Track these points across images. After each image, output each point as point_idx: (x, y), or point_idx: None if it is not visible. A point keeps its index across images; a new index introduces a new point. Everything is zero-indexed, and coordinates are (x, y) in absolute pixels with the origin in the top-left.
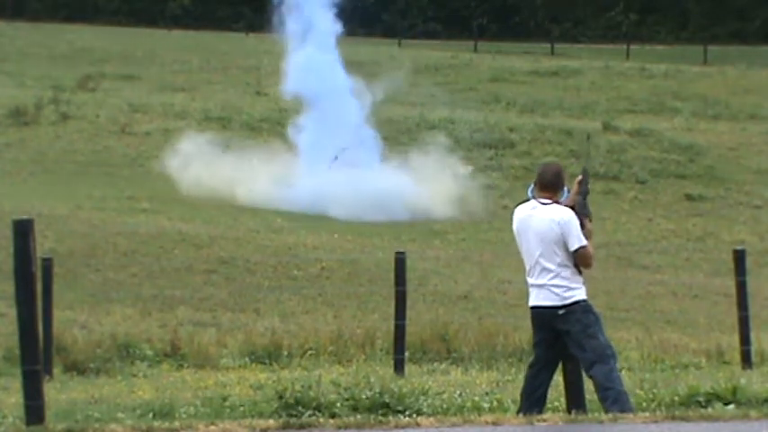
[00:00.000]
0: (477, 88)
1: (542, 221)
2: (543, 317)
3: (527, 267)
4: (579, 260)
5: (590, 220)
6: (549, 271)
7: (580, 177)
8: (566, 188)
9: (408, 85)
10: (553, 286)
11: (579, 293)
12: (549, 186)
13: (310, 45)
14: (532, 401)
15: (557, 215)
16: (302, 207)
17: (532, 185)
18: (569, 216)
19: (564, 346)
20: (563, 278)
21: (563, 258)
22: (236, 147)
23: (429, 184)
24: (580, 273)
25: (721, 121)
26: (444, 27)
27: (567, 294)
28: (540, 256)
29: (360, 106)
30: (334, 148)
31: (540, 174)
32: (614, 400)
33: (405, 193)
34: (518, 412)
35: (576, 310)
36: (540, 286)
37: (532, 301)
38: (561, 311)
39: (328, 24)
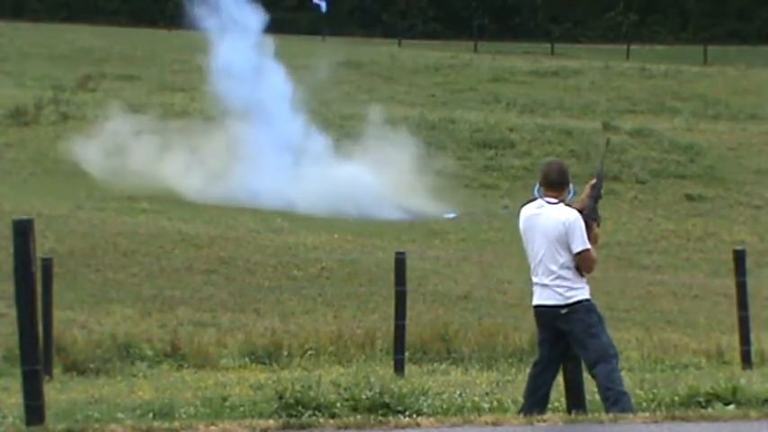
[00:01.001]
0: (477, 88)
1: (548, 221)
2: (546, 316)
3: (531, 266)
4: (581, 263)
5: (598, 225)
6: (552, 271)
7: (594, 181)
8: (571, 185)
9: (332, 78)
10: (556, 286)
11: (582, 293)
12: (555, 185)
13: (233, 39)
14: (534, 401)
15: (563, 215)
16: (239, 201)
17: (538, 185)
18: (575, 217)
19: (567, 346)
20: (565, 278)
21: (566, 259)
22: (177, 137)
23: (381, 179)
24: (582, 274)
25: (721, 121)
26: (444, 27)
27: (569, 294)
28: (543, 255)
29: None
30: (274, 142)
31: (544, 173)
32: (615, 401)
33: (351, 188)
34: (519, 411)
35: (579, 309)
36: (544, 285)
37: (536, 300)
38: (564, 311)
39: (251, 17)
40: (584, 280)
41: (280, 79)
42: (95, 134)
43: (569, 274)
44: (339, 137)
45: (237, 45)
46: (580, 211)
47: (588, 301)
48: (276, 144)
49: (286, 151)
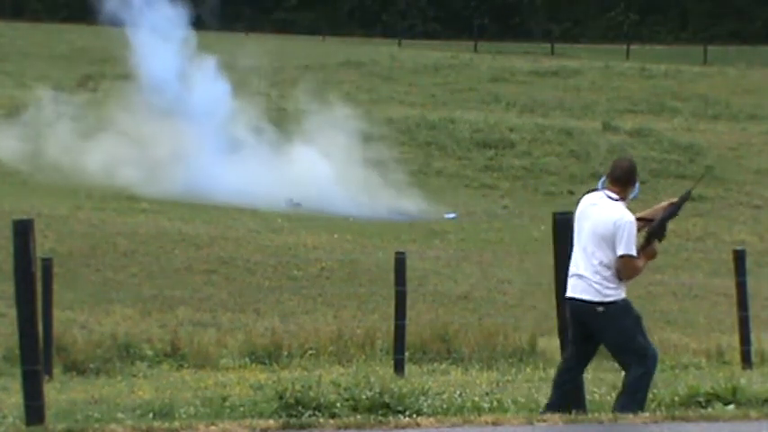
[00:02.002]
0: (477, 88)
1: (600, 216)
2: (580, 311)
3: (573, 256)
4: (621, 267)
5: (659, 241)
6: (593, 265)
7: (676, 199)
8: (637, 185)
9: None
10: (594, 282)
11: (618, 294)
12: (618, 181)
13: (157, 33)
14: (559, 394)
15: (616, 215)
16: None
17: (604, 177)
18: (627, 220)
19: (597, 345)
20: (603, 276)
21: (609, 259)
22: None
23: (323, 172)
24: (620, 278)
25: (721, 121)
26: (444, 27)
27: (606, 292)
28: (587, 247)
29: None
30: (209, 137)
31: (612, 167)
32: (623, 406)
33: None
34: (547, 405)
35: (615, 309)
36: (581, 277)
37: (569, 293)
38: (600, 308)
39: (171, 12)
40: (621, 282)
41: (211, 75)
42: (20, 123)
43: (608, 273)
44: (285, 131)
45: (161, 42)
46: (648, 221)
47: (624, 301)
48: (212, 139)
49: (224, 146)
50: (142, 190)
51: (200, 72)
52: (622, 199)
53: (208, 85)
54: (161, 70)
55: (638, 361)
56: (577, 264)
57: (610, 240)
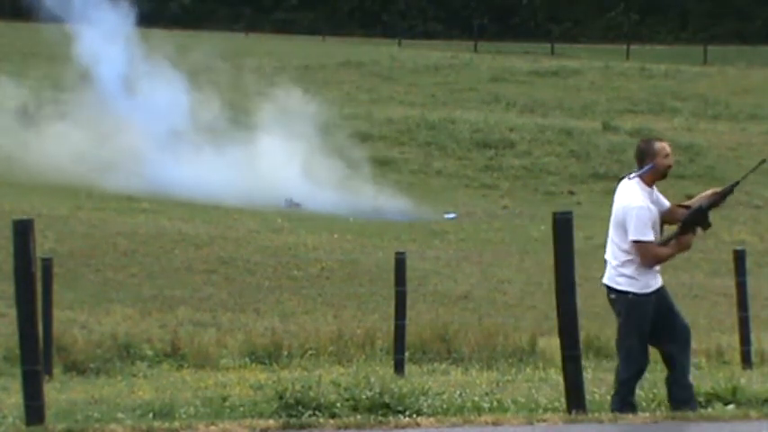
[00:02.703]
0: (477, 88)
1: (616, 201)
2: (607, 296)
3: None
4: (636, 252)
5: (703, 230)
6: (613, 250)
7: (720, 189)
8: (651, 163)
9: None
10: (611, 266)
11: (630, 285)
12: (636, 160)
13: (97, 32)
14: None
15: (625, 199)
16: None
17: None
18: (634, 206)
19: (662, 327)
20: (619, 262)
21: (624, 245)
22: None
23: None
24: (640, 266)
25: (721, 121)
26: (444, 27)
27: (618, 279)
28: (610, 232)
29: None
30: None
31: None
32: (614, 404)
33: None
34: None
35: (623, 301)
36: (605, 261)
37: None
38: (612, 295)
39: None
40: (638, 273)
41: (166, 72)
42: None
43: (624, 259)
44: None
45: (103, 37)
46: (686, 207)
47: (636, 297)
48: (166, 136)
49: (177, 142)
50: (95, 185)
51: (154, 70)
52: (641, 178)
53: (162, 83)
54: (110, 69)
55: (624, 362)
56: (606, 249)
57: (622, 226)
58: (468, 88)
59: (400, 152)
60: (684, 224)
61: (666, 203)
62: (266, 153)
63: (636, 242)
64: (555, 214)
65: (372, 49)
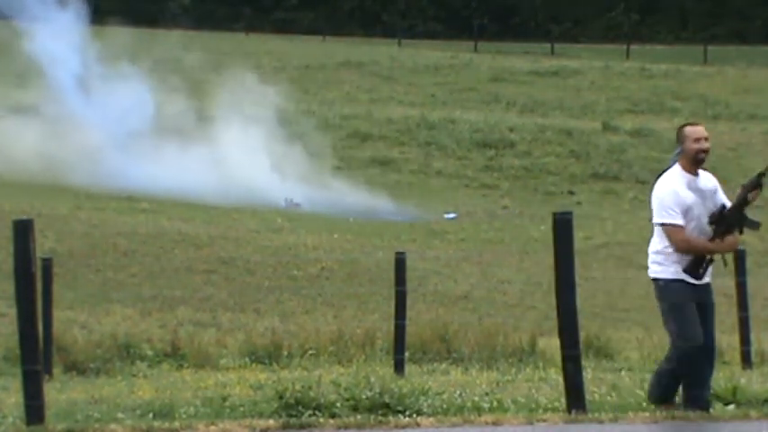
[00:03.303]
0: (477, 88)
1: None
2: None
3: None
4: (666, 236)
5: (740, 232)
6: (652, 239)
7: (749, 182)
8: (680, 148)
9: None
10: (649, 254)
11: (661, 272)
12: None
13: (49, 32)
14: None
15: (657, 186)
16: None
17: None
18: (659, 192)
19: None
20: (655, 250)
21: (657, 232)
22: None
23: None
24: (673, 252)
25: (721, 121)
26: (444, 27)
27: (652, 267)
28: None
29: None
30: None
31: None
32: (652, 384)
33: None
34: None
35: (656, 287)
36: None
37: None
38: (654, 283)
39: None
40: (670, 260)
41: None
42: None
43: (659, 246)
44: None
45: (55, 35)
46: (723, 207)
47: (666, 283)
48: (117, 131)
49: (136, 140)
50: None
51: (112, 71)
52: (679, 164)
53: (121, 83)
54: (65, 69)
55: (672, 344)
56: None
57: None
58: (468, 88)
59: (400, 152)
60: (715, 224)
61: (721, 201)
62: (228, 150)
63: (661, 225)
64: (555, 214)
65: (372, 49)
